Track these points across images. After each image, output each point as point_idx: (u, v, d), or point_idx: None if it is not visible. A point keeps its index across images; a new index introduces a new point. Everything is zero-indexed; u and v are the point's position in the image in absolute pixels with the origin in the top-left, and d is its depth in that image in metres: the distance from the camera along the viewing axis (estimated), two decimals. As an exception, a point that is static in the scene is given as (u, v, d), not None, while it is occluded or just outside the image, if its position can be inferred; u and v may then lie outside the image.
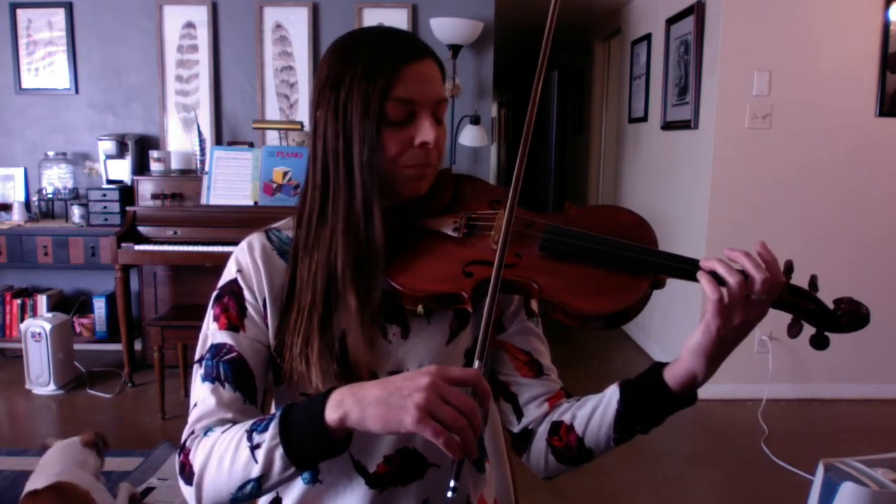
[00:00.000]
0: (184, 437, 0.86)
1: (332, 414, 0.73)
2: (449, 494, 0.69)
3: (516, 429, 1.00)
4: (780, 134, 3.40)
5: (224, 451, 0.79)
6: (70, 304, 4.00)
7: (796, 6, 3.33)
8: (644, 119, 4.52)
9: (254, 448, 0.76)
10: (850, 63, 3.37)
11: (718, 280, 0.77)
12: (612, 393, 0.90)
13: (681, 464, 2.89)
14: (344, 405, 0.73)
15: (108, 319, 3.86)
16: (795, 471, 2.76)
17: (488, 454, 1.14)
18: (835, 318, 0.81)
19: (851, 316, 0.80)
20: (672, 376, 0.84)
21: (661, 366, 0.87)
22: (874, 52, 3.37)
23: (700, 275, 0.79)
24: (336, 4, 3.94)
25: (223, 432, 0.81)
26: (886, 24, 3.35)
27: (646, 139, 4.53)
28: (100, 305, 3.85)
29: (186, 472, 0.82)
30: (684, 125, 3.79)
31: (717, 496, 2.64)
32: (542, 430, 0.97)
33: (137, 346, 3.85)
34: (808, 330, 0.83)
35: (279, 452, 0.75)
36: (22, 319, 3.74)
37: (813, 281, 0.82)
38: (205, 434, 0.83)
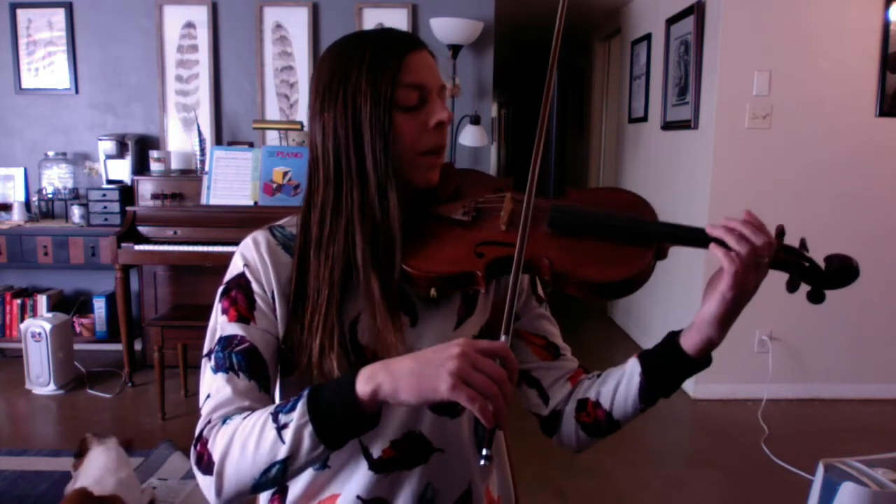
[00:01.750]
0: (199, 427, 0.84)
1: (363, 387, 0.74)
2: (482, 462, 0.73)
3: (545, 412, 1.03)
4: (780, 134, 3.40)
5: (248, 435, 0.78)
6: (70, 304, 4.00)
7: (796, 6, 3.33)
8: (644, 119, 4.53)
9: (280, 428, 0.76)
10: (850, 63, 3.37)
11: (727, 248, 0.82)
12: (632, 367, 0.95)
13: (681, 464, 2.89)
14: (376, 378, 0.74)
15: (108, 319, 3.86)
16: (795, 471, 2.76)
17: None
18: (827, 274, 0.87)
19: (842, 269, 0.86)
20: (690, 345, 0.88)
21: (675, 335, 0.91)
22: (874, 52, 3.37)
23: (714, 248, 0.83)
24: (336, 4, 3.94)
25: (244, 418, 0.80)
26: (886, 24, 3.35)
27: (646, 139, 4.53)
28: (100, 305, 3.85)
29: (205, 462, 0.81)
30: (684, 125, 3.79)
31: (717, 496, 2.64)
32: (570, 409, 1.01)
33: (137, 346, 3.85)
34: (805, 289, 0.89)
35: (308, 430, 0.75)
36: (22, 319, 3.74)
37: (803, 243, 0.89)
38: (223, 423, 0.82)
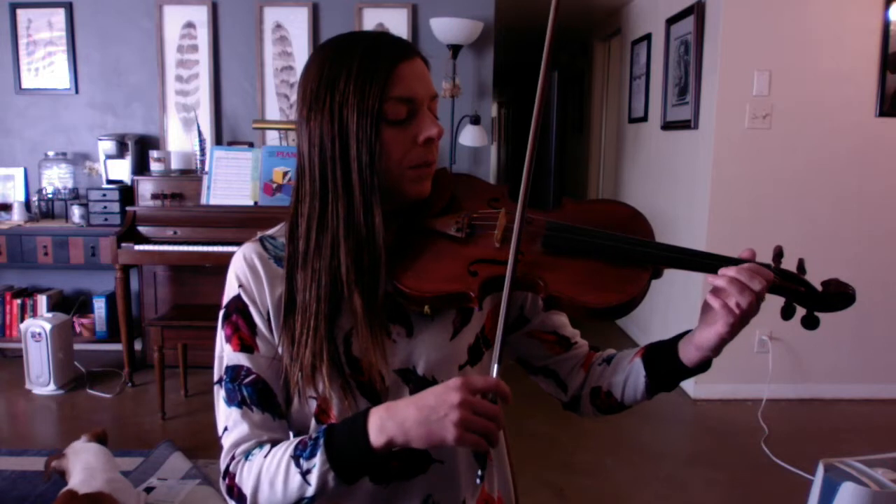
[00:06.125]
0: (224, 462, 0.90)
1: (377, 439, 0.80)
2: (477, 482, 0.86)
3: (566, 398, 1.10)
4: (780, 134, 3.40)
5: (273, 475, 0.84)
6: (70, 304, 4.00)
7: (796, 6, 3.33)
8: (644, 119, 4.53)
9: (305, 473, 0.82)
10: (850, 63, 3.37)
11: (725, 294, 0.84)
12: (638, 369, 1.00)
13: (681, 464, 2.89)
14: (387, 430, 0.79)
15: (108, 319, 3.86)
16: (795, 471, 2.76)
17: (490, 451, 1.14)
18: (823, 299, 0.87)
19: (839, 296, 0.86)
20: (689, 360, 0.93)
21: (675, 349, 0.95)
22: (874, 52, 3.37)
23: (713, 300, 0.85)
24: (336, 4, 3.94)
25: (265, 456, 0.86)
26: (886, 24, 3.35)
27: (646, 139, 4.53)
28: (100, 305, 3.85)
29: (235, 494, 0.88)
30: (684, 125, 3.79)
31: (717, 496, 2.64)
32: (586, 394, 1.07)
33: (137, 346, 3.85)
34: (800, 312, 0.89)
35: (332, 475, 0.81)
36: (22, 319, 3.74)
37: (801, 265, 0.88)
38: (246, 458, 0.88)
